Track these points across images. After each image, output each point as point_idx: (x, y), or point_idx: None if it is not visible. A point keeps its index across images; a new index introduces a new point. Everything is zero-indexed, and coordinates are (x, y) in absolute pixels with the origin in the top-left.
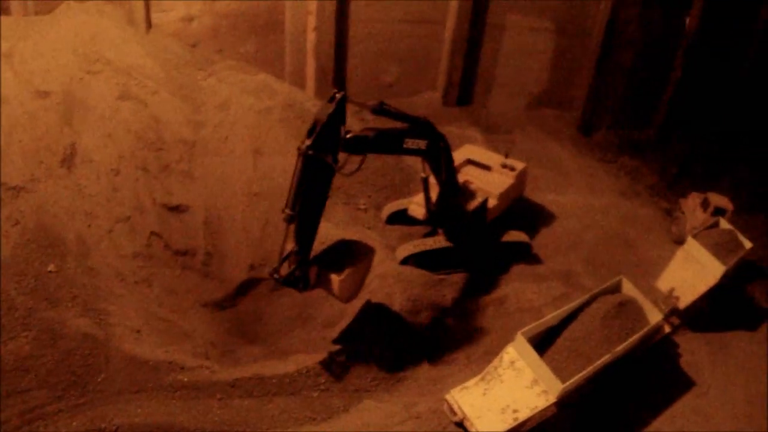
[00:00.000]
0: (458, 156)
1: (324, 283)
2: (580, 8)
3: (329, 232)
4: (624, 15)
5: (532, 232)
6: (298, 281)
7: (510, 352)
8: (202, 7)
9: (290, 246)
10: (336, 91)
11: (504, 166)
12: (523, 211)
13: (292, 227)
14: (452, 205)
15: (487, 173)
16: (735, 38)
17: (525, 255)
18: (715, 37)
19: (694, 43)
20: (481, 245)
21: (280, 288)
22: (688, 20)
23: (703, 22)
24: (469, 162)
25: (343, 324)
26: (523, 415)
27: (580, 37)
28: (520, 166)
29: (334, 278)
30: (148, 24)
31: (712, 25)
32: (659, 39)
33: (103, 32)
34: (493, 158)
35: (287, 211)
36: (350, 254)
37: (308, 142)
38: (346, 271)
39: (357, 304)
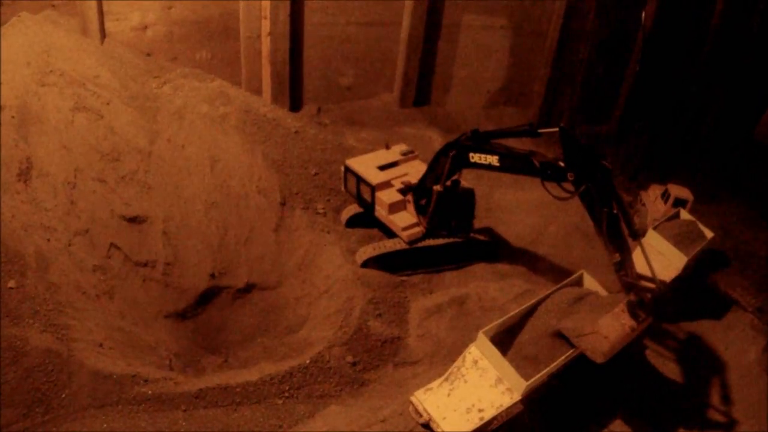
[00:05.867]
0: (363, 167)
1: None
2: (535, 5)
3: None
4: (581, 8)
5: (493, 229)
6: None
7: (473, 352)
8: (157, 15)
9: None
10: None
11: (404, 154)
12: (483, 209)
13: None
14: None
15: (407, 165)
16: (692, 31)
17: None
18: (673, 30)
19: (651, 36)
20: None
21: (241, 296)
22: (644, 13)
23: (660, 15)
24: (381, 168)
25: (306, 330)
26: (489, 414)
27: (537, 34)
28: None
29: None
30: (103, 34)
31: (669, 17)
32: (616, 32)
33: (56, 43)
34: (388, 155)
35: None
36: None
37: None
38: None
39: (318, 309)
